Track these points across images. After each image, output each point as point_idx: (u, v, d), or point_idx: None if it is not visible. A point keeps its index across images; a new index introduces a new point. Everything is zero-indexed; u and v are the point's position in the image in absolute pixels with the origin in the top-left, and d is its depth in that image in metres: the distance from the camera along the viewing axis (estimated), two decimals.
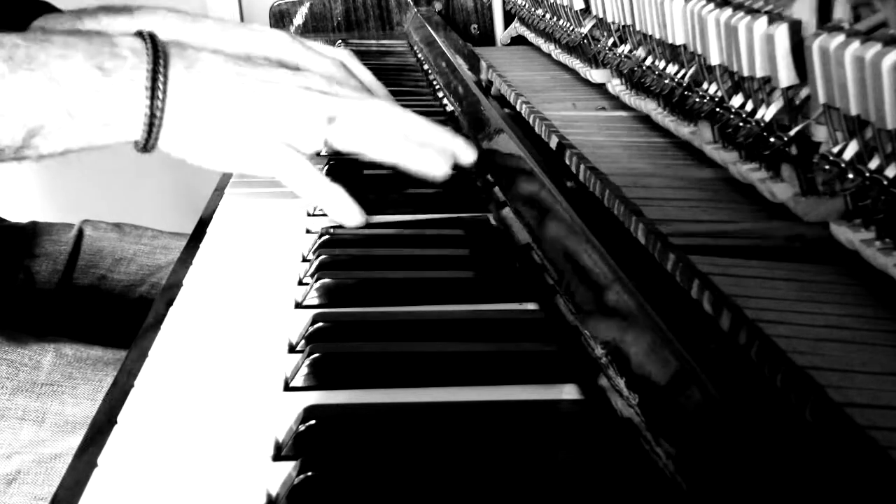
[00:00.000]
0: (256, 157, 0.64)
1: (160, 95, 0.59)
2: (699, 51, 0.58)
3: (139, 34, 0.61)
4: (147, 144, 0.60)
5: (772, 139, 0.50)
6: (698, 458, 0.35)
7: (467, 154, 0.69)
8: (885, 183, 0.40)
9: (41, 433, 0.68)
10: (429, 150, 0.67)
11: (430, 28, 1.23)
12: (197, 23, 0.70)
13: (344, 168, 0.79)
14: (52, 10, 0.82)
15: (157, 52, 0.60)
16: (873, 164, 0.42)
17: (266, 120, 0.63)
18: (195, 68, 0.61)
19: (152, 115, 0.59)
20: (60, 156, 0.60)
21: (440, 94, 1.05)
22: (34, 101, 0.56)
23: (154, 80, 0.59)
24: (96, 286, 0.98)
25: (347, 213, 0.66)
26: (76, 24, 0.74)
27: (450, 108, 0.98)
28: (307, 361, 0.47)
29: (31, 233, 1.00)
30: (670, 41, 0.62)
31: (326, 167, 0.80)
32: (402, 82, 1.14)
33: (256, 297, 0.57)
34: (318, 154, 0.68)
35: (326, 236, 0.64)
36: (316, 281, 0.56)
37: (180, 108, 0.60)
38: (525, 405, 0.45)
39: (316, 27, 1.49)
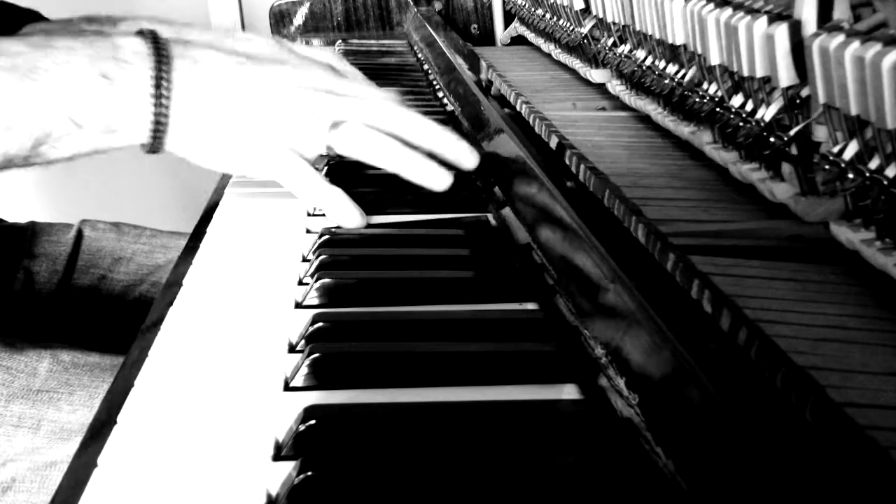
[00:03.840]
0: (258, 159, 0.64)
1: (165, 101, 0.59)
2: (699, 51, 0.58)
3: (141, 33, 0.61)
4: (153, 146, 0.60)
5: (772, 139, 0.50)
6: (698, 458, 0.35)
7: (470, 158, 0.69)
8: (885, 183, 0.40)
9: (37, 441, 0.68)
10: (432, 162, 0.66)
11: (430, 28, 1.23)
12: (182, 32, 0.69)
13: (345, 167, 0.79)
14: (38, 18, 0.82)
15: (161, 55, 0.59)
16: (873, 164, 0.42)
17: (269, 122, 0.63)
18: (198, 67, 0.61)
19: (158, 121, 0.59)
20: (68, 161, 0.60)
21: (440, 94, 1.05)
22: (39, 110, 0.56)
23: (158, 85, 0.59)
24: (96, 287, 0.98)
25: (347, 215, 0.66)
26: None
27: (450, 108, 0.98)
28: (307, 361, 0.47)
29: (30, 233, 1.00)
30: (670, 41, 0.62)
31: (327, 167, 0.80)
32: (402, 82, 1.14)
33: (256, 296, 0.57)
34: (320, 154, 0.68)
35: (326, 236, 0.64)
36: (316, 281, 0.56)
37: (185, 109, 0.60)
38: (525, 405, 0.45)
39: (316, 27, 1.49)
